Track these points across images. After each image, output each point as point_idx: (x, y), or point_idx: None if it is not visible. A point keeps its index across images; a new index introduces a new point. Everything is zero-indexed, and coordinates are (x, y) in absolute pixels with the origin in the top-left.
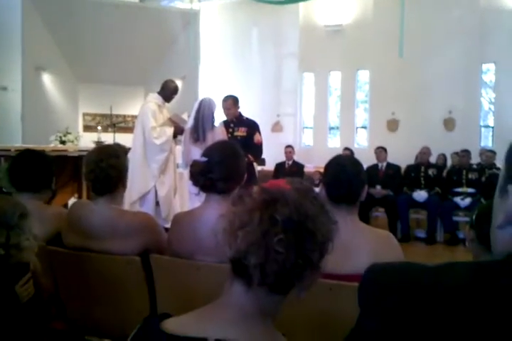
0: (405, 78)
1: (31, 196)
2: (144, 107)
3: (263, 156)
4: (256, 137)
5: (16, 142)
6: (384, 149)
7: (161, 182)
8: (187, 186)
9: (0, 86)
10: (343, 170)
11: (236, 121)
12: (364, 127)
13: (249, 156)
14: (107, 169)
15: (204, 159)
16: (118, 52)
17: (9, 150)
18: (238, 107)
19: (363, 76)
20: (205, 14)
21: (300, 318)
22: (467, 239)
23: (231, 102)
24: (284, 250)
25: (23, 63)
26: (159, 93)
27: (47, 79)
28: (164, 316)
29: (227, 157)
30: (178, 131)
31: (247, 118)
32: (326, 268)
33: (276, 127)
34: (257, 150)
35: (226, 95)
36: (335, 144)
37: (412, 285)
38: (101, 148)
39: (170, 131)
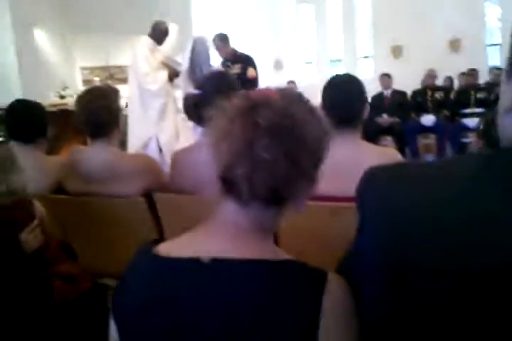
0: (405, 1)
1: (28, 147)
2: (135, 53)
3: None
4: (249, 72)
5: None
6: (388, 75)
7: (161, 129)
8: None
9: None
10: (342, 91)
11: (231, 58)
12: (368, 57)
13: None
14: (97, 110)
15: (197, 92)
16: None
17: None
18: (229, 44)
19: (362, 1)
20: None
21: (306, 241)
22: (475, 148)
23: (219, 41)
24: (270, 156)
25: (13, 21)
26: (150, 36)
27: (39, 34)
28: (158, 241)
29: (221, 87)
30: (173, 74)
31: (241, 54)
32: (329, 190)
33: (277, 64)
34: (250, 85)
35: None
36: None
37: (416, 178)
38: (89, 90)
39: (164, 75)
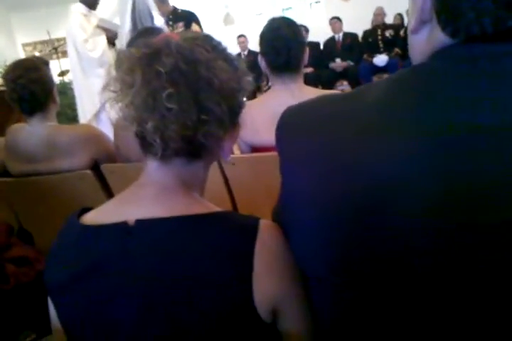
0: None
1: None
2: (69, 21)
3: None
4: (193, 28)
5: None
6: (338, 19)
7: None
8: None
9: None
10: (278, 35)
11: (172, 17)
12: (319, 1)
13: None
14: (28, 85)
15: None
16: None
17: None
18: (167, 2)
19: None
20: None
21: (262, 193)
22: None
23: (157, 2)
24: (176, 105)
25: None
26: (81, 1)
27: None
28: (87, 210)
29: None
30: (112, 36)
31: (182, 11)
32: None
33: (228, 19)
34: None
35: None
36: None
37: (331, 112)
38: (16, 63)
39: (103, 40)
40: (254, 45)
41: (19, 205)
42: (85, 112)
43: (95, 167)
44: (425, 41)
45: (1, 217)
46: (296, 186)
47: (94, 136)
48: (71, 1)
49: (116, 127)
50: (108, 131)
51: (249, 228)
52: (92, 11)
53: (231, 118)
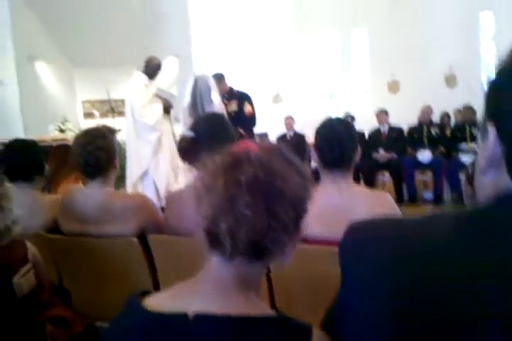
0: (402, 36)
1: (25, 185)
2: (130, 87)
3: (265, 130)
4: (246, 108)
5: (18, 135)
6: (385, 112)
7: (155, 163)
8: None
9: None
10: (334, 133)
11: (227, 95)
12: (365, 92)
13: (241, 131)
14: (94, 151)
15: (191, 134)
16: (109, 32)
17: None
18: (225, 83)
19: (358, 38)
20: None
21: (302, 286)
22: (465, 195)
23: (215, 80)
24: (251, 213)
25: (15, 55)
26: (143, 71)
27: (41, 67)
28: (146, 293)
29: (216, 130)
30: (167, 106)
31: (237, 91)
32: (317, 233)
33: (277, 98)
34: (247, 122)
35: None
36: (337, 112)
37: (392, 238)
38: (87, 131)
39: (159, 108)
40: (299, 126)
41: (63, 263)
42: (131, 173)
43: (142, 235)
44: (491, 182)
45: (45, 273)
46: (357, 302)
47: (145, 206)
48: (131, 65)
49: (169, 200)
50: (150, 194)
51: (302, 335)
52: (151, 81)
53: (296, 223)
